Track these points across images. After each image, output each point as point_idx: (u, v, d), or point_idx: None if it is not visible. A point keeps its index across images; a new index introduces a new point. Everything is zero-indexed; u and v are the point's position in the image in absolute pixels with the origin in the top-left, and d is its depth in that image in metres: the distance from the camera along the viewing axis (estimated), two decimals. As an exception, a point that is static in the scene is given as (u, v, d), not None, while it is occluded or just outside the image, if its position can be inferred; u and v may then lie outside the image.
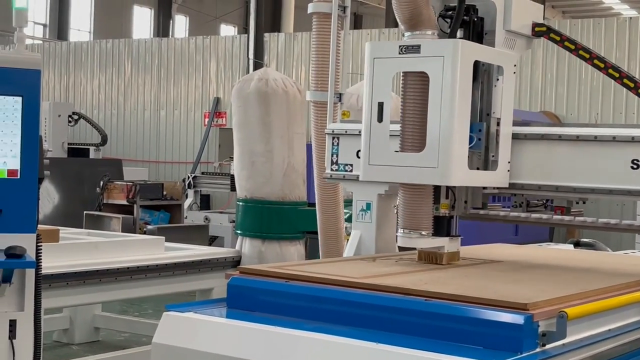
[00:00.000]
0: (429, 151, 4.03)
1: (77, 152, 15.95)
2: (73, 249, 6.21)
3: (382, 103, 4.18)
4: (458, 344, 3.20)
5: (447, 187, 4.40)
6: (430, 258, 4.38)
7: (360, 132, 4.75)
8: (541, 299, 3.33)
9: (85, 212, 10.92)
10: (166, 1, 31.20)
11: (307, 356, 3.30)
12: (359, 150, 4.77)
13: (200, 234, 11.12)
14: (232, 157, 8.67)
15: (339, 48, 5.15)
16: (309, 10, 5.28)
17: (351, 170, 4.90)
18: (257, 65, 16.26)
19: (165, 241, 7.02)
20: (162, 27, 30.32)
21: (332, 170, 5.00)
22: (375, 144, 4.22)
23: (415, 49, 4.08)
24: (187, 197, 13.57)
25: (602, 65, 4.59)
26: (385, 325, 3.40)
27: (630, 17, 14.91)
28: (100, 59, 19.91)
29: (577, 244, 7.31)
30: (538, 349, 3.18)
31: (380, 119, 4.18)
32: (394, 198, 4.82)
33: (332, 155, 4.99)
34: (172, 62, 18.88)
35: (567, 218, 4.82)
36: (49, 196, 12.41)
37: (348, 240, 4.99)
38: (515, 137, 4.49)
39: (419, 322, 3.34)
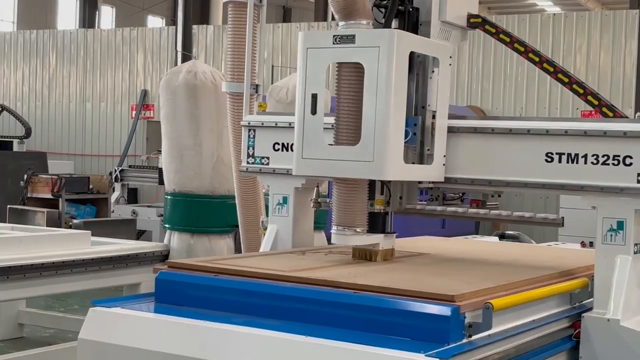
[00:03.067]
0: (364, 145, 3.86)
1: (0, 145, 15.57)
2: (-4, 244, 6.08)
3: (316, 94, 4.00)
4: (386, 335, 3.23)
5: (382, 183, 4.27)
6: (365, 255, 4.26)
7: (277, 124, 4.71)
8: (468, 291, 3.39)
9: (8, 206, 10.70)
10: (92, -9, 30.67)
11: (237, 350, 3.30)
12: (276, 143, 4.72)
13: (128, 228, 10.98)
14: (160, 150, 8.58)
15: (255, 38, 4.98)
16: None
17: (268, 163, 4.73)
18: (186, 57, 16.13)
19: (92, 235, 6.91)
20: (88, 18, 29.76)
21: (248, 163, 4.82)
22: (308, 137, 4.02)
23: (349, 38, 3.92)
24: (114, 191, 13.41)
25: (537, 59, 4.47)
26: (315, 318, 3.41)
27: (554, 14, 15.25)
28: (24, 50, 19.51)
29: (502, 237, 7.46)
30: (464, 340, 3.23)
31: (314, 111, 4.00)
32: (310, 191, 4.73)
33: (248, 148, 4.81)
34: (99, 53, 18.60)
35: (495, 212, 4.83)
36: (-29, 190, 12.11)
37: (265, 234, 4.82)
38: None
39: (348, 315, 3.36)
